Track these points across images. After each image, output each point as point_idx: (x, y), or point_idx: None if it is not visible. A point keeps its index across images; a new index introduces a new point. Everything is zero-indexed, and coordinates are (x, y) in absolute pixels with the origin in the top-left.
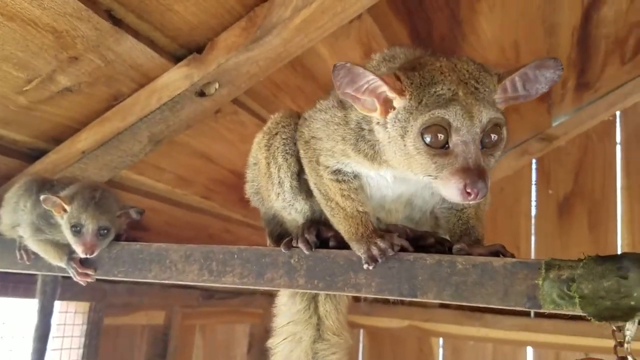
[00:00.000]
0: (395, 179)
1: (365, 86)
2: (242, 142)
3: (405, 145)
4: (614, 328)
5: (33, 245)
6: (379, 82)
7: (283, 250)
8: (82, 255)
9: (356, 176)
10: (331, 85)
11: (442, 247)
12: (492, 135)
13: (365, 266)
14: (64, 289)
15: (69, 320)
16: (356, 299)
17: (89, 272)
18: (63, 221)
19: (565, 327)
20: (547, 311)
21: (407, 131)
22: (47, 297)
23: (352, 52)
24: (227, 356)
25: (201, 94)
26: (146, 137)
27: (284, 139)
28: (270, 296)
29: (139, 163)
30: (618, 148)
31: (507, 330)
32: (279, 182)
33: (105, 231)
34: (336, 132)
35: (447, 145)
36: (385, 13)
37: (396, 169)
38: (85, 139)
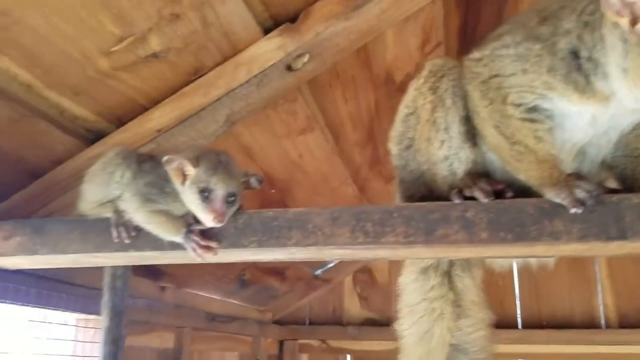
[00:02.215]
0: (592, 119)
1: None
2: (286, 137)
3: None
4: None
5: (143, 218)
6: None
7: (456, 201)
8: (210, 224)
9: (550, 116)
10: (380, 79)
11: None
12: None
13: (573, 210)
14: (77, 300)
15: (88, 337)
16: (340, 323)
17: (213, 244)
18: (185, 187)
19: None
20: None
21: None
22: (117, 294)
23: (413, 39)
24: None
25: (288, 68)
26: (224, 116)
27: (452, 80)
28: (261, 323)
29: None
30: None
31: (500, 344)
32: (445, 127)
33: (233, 198)
34: (538, 64)
35: None
36: (449, 1)
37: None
38: (159, 117)
